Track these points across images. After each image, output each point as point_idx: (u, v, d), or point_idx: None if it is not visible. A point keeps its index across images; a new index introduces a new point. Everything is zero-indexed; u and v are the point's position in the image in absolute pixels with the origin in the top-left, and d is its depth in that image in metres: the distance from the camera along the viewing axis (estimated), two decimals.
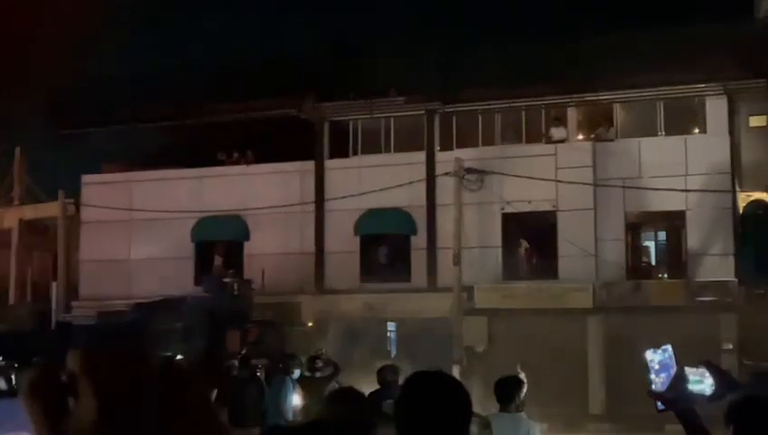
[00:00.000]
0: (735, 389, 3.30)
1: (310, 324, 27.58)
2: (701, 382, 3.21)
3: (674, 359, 3.34)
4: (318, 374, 14.49)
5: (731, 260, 26.08)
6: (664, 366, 3.31)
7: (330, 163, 29.76)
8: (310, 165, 29.82)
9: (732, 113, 27.16)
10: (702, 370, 3.22)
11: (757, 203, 27.83)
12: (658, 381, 3.35)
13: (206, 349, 20.97)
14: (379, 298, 27.16)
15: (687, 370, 3.30)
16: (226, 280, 26.83)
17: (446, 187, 28.02)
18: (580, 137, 28.47)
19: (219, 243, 30.48)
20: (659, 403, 3.35)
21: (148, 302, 25.12)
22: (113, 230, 30.81)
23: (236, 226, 30.11)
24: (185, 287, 29.19)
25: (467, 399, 2.93)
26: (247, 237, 30.15)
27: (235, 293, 26.31)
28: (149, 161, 31.03)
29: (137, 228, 30.77)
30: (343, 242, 28.99)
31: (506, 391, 7.67)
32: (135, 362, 0.78)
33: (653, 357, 3.32)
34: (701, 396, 3.20)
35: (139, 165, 31.30)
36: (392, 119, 29.41)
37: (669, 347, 3.32)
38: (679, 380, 3.25)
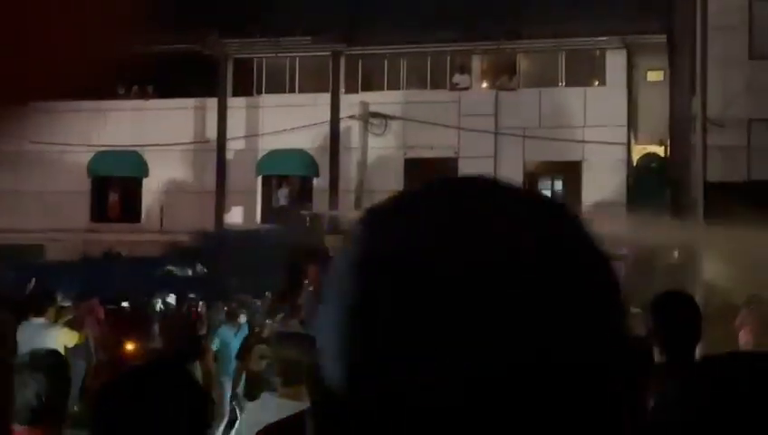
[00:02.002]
0: None
1: None
2: None
3: None
4: None
5: (623, 210, 26.88)
6: None
7: (232, 101, 29.38)
8: (212, 102, 29.38)
9: (630, 67, 27.78)
10: None
11: (650, 156, 28.73)
12: None
13: (286, 282, 19.96)
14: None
15: None
16: (300, 213, 25.70)
17: (350, 130, 28.00)
18: (484, 85, 28.77)
19: (116, 179, 29.95)
20: None
21: (219, 232, 24.11)
22: (3, 162, 29.86)
23: (135, 161, 29.55)
24: (79, 222, 28.65)
25: None
26: (146, 174, 29.65)
27: (308, 226, 25.24)
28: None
29: (31, 160, 29.87)
30: (244, 182, 28.78)
31: None
32: None
33: None
34: None
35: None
36: (297, 58, 29.17)
37: None
38: None
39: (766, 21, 24.85)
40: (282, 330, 11.82)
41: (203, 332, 14.18)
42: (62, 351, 8.59)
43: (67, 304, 13.88)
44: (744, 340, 22.55)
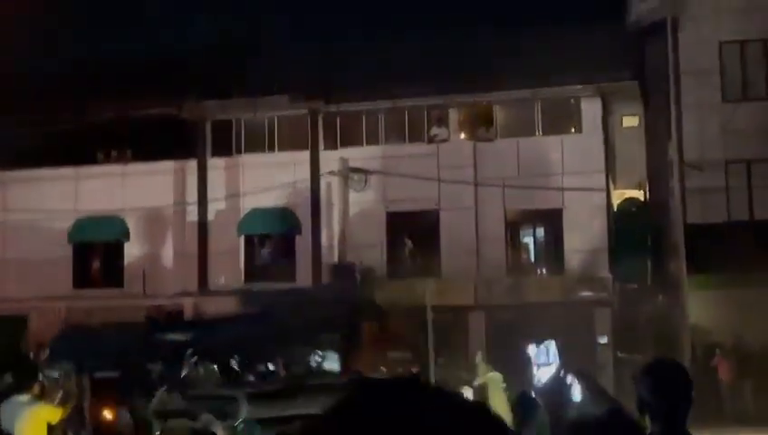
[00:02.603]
0: (604, 403, 3.46)
1: None
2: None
3: (557, 355, 3.50)
4: None
5: (605, 256, 26.95)
6: (546, 361, 3.46)
7: (213, 162, 29.42)
8: (192, 164, 29.41)
9: (606, 114, 28.05)
10: (572, 378, 3.37)
11: (630, 201, 28.93)
12: (540, 375, 3.51)
13: (345, 340, 19.52)
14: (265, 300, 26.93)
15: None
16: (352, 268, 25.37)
17: (330, 186, 28.06)
18: (462, 136, 28.93)
19: (97, 244, 29.82)
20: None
21: (276, 291, 23.86)
22: None
23: (116, 226, 29.44)
24: (62, 289, 28.47)
25: None
26: (127, 238, 29.53)
27: (359, 282, 24.87)
28: (24, 160, 30.00)
29: (12, 228, 29.78)
30: (226, 242, 28.71)
31: None
32: None
33: (536, 352, 3.46)
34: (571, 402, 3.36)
35: (14, 164, 30.19)
36: (276, 118, 29.28)
37: (553, 343, 3.48)
38: (562, 384, 3.40)
39: (737, 64, 25.21)
40: (158, 408, 11.71)
41: None
42: (44, 428, 8.46)
43: (56, 375, 13.69)
44: (723, 376, 22.84)
